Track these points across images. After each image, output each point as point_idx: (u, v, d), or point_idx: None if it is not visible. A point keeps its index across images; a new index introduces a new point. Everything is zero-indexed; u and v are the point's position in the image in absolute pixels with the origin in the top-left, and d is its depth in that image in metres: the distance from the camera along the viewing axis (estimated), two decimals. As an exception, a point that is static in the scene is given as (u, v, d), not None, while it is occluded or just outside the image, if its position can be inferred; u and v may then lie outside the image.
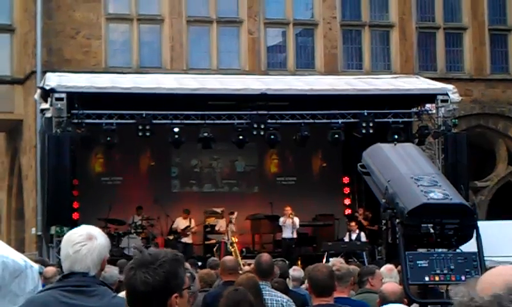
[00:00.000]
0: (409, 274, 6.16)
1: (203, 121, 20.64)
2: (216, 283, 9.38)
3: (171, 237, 22.82)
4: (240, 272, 10.58)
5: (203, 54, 25.58)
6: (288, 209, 22.24)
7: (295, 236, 22.35)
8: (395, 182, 6.63)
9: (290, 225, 22.19)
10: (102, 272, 4.20)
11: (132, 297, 3.20)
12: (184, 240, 22.64)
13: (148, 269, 3.15)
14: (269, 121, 20.69)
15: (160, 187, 24.20)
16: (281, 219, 22.40)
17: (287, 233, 22.32)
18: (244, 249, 22.76)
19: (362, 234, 22.32)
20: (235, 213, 22.84)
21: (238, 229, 22.94)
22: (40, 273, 6.77)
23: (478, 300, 2.25)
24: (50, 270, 9.78)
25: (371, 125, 20.85)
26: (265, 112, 20.68)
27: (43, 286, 5.70)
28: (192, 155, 24.83)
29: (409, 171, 6.70)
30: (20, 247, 22.16)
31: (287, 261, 12.58)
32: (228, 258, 10.24)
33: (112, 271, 7.79)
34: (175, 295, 3.18)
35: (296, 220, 22.27)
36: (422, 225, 6.31)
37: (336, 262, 8.08)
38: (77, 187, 21.70)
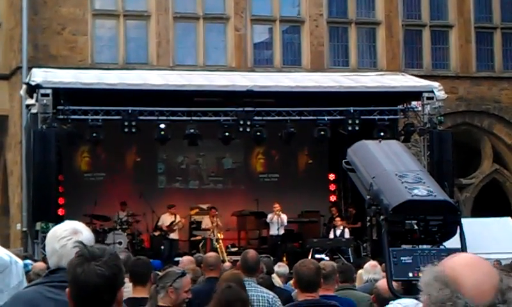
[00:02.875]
0: (393, 270, 6.18)
1: (189, 118, 20.62)
2: (200, 278, 9.41)
3: (156, 233, 22.79)
4: (226, 267, 10.62)
5: (190, 51, 25.56)
6: (276, 206, 22.25)
7: (282, 232, 22.39)
8: (379, 179, 6.65)
9: (276, 222, 22.21)
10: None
11: (82, 292, 3.16)
12: (170, 236, 22.60)
13: (100, 262, 3.15)
14: (255, 117, 20.69)
15: (146, 183, 24.17)
16: (269, 216, 22.41)
17: (274, 230, 22.35)
18: (229, 245, 22.79)
19: (346, 230, 22.40)
20: (214, 210, 22.85)
21: (224, 226, 22.95)
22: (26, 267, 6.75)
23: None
24: (40, 265, 9.81)
25: (357, 122, 20.89)
26: (252, 108, 20.68)
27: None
28: (179, 151, 24.81)
29: (393, 168, 6.72)
30: (5, 243, 22.06)
31: (271, 258, 12.60)
32: (209, 254, 10.29)
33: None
34: (122, 288, 3.23)
35: (284, 217, 22.29)
36: (406, 221, 6.33)
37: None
38: (62, 183, 21.64)
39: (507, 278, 2.34)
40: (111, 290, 3.18)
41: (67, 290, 3.25)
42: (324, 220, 24.39)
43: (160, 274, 6.77)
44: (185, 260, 11.03)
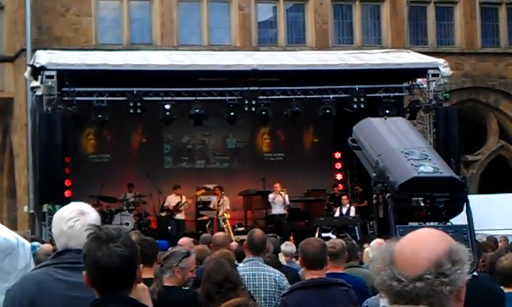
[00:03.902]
0: (400, 247, 6.18)
1: (194, 98, 20.59)
2: (207, 258, 9.40)
3: (163, 214, 22.81)
4: (233, 246, 10.62)
5: (194, 30, 25.50)
6: (277, 186, 22.24)
7: (285, 212, 22.38)
8: (385, 156, 6.63)
9: (280, 202, 22.20)
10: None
11: (105, 275, 3.17)
12: (177, 216, 22.62)
13: (119, 243, 3.17)
14: (261, 97, 20.65)
15: (152, 164, 24.16)
16: (271, 196, 22.35)
17: (277, 210, 22.34)
18: (236, 225, 22.80)
19: (352, 208, 22.38)
20: (219, 190, 22.87)
21: (230, 205, 22.96)
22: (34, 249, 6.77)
23: (404, 281, 2.31)
24: (47, 247, 9.82)
25: (362, 99, 20.84)
26: (257, 88, 20.65)
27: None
28: (184, 131, 24.81)
29: (399, 145, 6.70)
30: (12, 225, 22.13)
31: (278, 237, 12.61)
32: (217, 234, 10.29)
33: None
34: (141, 265, 3.25)
35: (286, 196, 22.26)
36: (413, 198, 6.33)
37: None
38: (68, 164, 21.65)
39: (462, 252, 2.37)
40: (132, 269, 3.20)
41: (84, 273, 3.24)
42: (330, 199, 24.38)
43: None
44: (186, 241, 10.93)
